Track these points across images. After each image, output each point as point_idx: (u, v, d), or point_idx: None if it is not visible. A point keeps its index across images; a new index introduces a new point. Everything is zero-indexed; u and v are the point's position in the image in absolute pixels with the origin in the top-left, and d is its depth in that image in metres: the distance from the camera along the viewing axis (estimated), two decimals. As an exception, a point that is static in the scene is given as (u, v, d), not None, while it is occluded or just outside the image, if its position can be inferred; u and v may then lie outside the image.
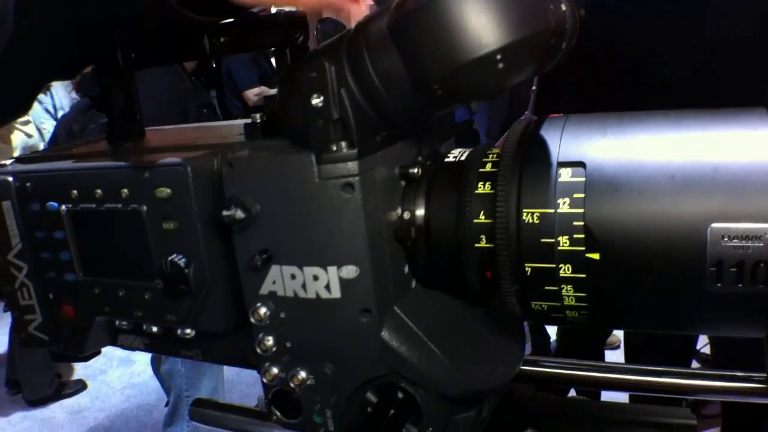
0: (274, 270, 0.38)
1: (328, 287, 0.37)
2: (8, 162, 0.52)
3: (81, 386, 2.89)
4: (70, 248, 0.47)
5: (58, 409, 2.77)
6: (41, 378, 2.75)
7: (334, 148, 0.35)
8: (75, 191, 0.45)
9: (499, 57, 0.31)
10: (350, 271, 0.37)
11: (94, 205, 0.44)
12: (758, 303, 0.32)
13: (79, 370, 3.04)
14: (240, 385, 2.52)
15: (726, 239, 0.32)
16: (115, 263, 0.45)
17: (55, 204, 0.46)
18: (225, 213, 0.38)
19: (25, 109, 0.46)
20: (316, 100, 0.35)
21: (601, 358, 1.93)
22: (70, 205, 0.45)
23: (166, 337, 0.46)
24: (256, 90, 2.89)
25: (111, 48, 0.49)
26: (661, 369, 0.48)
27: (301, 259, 0.37)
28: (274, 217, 0.37)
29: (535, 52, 0.32)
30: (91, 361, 3.05)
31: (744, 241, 0.32)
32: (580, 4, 0.51)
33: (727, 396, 0.46)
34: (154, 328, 0.46)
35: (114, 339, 0.51)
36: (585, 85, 1.81)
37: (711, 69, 1.50)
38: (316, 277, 0.37)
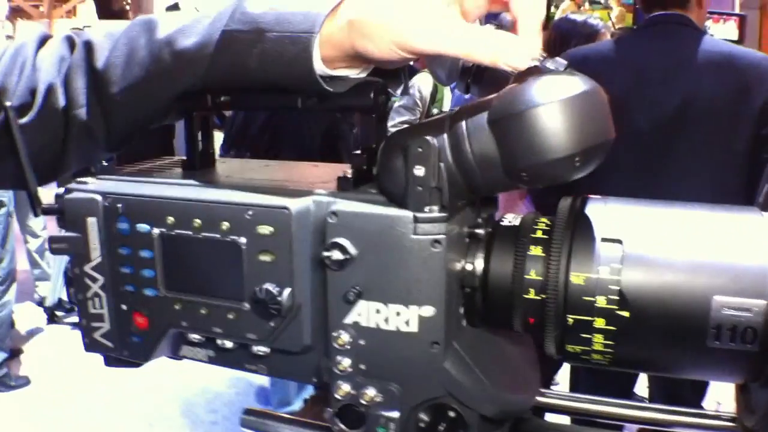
0: (362, 304, 0.46)
1: (407, 322, 0.45)
2: (89, 179, 0.57)
3: (25, 382, 2.86)
4: (156, 267, 0.52)
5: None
6: None
7: (428, 210, 0.44)
8: (171, 218, 0.51)
9: (577, 158, 0.40)
10: (428, 310, 0.45)
11: (190, 233, 0.50)
12: (745, 357, 0.43)
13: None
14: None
15: (725, 309, 0.42)
16: (202, 284, 0.51)
17: (147, 226, 0.52)
18: (325, 254, 0.45)
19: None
20: (418, 171, 0.43)
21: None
22: (163, 230, 0.51)
23: (236, 352, 0.52)
24: None
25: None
26: (645, 405, 0.58)
27: (387, 297, 0.45)
28: (369, 260, 0.45)
29: (603, 153, 0.42)
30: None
31: (738, 311, 0.42)
32: None
33: (701, 430, 0.56)
34: (228, 344, 0.52)
35: (177, 350, 0.56)
36: None
37: (682, 120, 1.69)
38: (398, 313, 0.45)
